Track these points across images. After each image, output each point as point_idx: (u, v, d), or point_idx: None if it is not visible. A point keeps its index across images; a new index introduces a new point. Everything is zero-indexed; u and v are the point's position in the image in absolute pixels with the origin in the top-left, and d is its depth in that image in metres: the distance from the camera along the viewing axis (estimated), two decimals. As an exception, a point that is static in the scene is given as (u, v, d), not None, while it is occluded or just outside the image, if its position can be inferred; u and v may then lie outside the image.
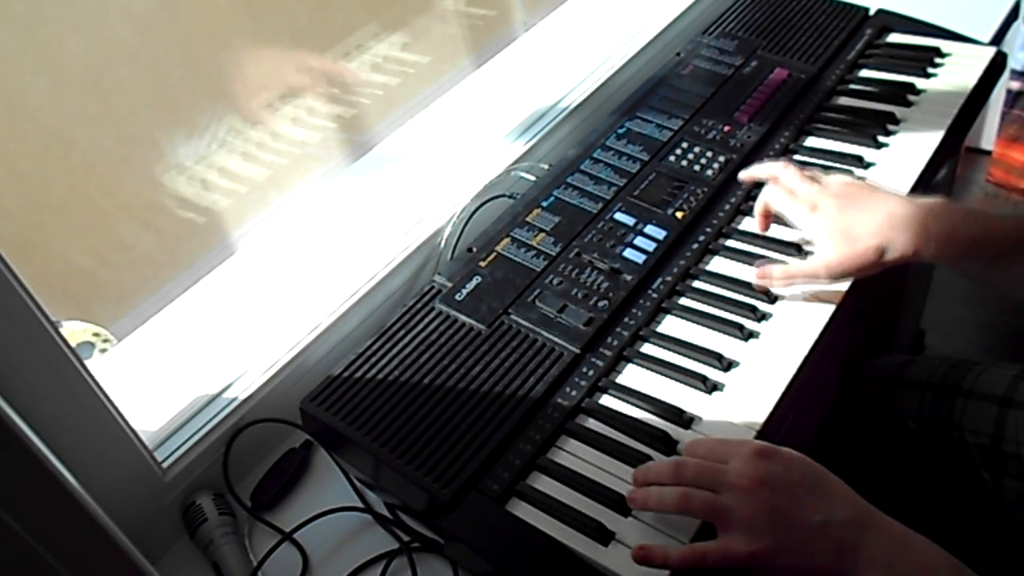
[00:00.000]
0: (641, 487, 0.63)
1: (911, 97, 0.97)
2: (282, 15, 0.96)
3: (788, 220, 0.79)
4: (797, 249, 0.81)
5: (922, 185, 0.87)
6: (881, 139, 0.92)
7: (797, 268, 0.76)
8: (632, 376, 0.73)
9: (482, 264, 0.81)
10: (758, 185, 0.88)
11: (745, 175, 0.86)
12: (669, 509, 0.60)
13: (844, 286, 0.77)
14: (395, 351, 0.74)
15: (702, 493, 0.59)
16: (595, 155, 0.92)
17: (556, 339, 0.74)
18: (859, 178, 0.87)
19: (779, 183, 0.80)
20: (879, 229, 0.72)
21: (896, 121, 0.94)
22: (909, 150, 0.90)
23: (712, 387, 0.71)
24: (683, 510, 0.59)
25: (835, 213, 0.75)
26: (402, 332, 0.76)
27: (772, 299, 0.77)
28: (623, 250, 0.81)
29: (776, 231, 0.83)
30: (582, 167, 0.91)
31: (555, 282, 0.79)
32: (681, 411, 0.68)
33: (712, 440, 0.64)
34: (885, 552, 0.55)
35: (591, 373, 0.72)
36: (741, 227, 0.85)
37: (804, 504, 0.57)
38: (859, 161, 0.89)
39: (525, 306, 0.77)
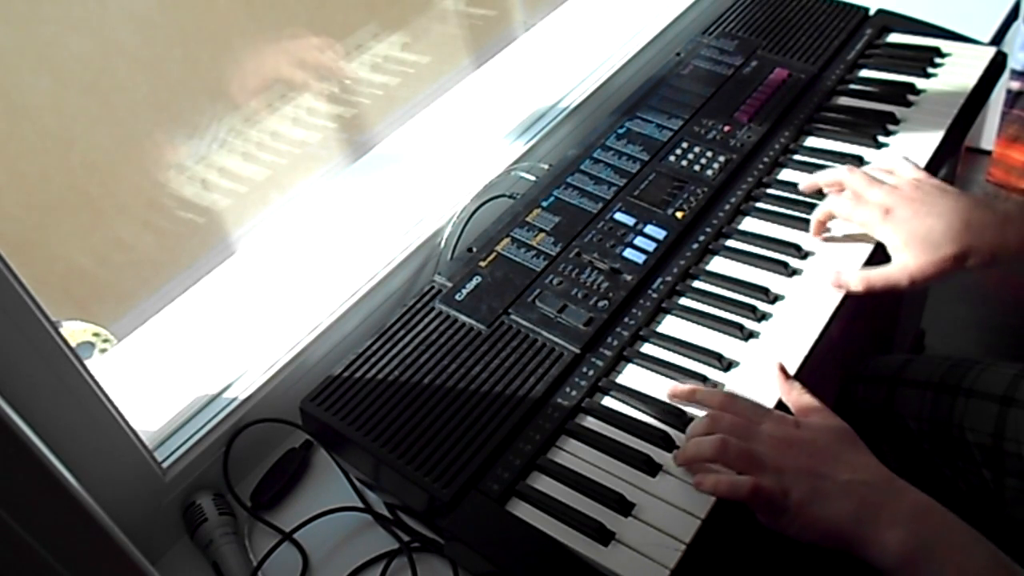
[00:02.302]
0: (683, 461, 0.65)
1: (911, 97, 0.97)
2: (282, 15, 0.96)
3: (861, 227, 0.78)
4: (796, 249, 0.80)
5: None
6: (881, 139, 0.92)
7: (877, 276, 0.75)
8: (632, 376, 0.73)
9: (482, 264, 0.81)
10: (760, 183, 0.88)
11: (807, 184, 0.84)
12: (706, 455, 0.62)
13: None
14: (395, 351, 0.74)
15: (738, 442, 0.61)
16: (595, 155, 0.92)
17: (556, 339, 0.74)
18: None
19: (844, 189, 0.79)
20: (958, 236, 0.72)
21: (896, 121, 0.94)
22: (909, 150, 0.90)
23: (712, 387, 0.70)
24: (719, 456, 0.61)
25: (910, 219, 0.74)
26: (402, 332, 0.76)
27: (772, 299, 0.77)
28: (623, 250, 0.81)
29: (776, 231, 0.83)
30: (582, 167, 0.91)
31: (555, 282, 0.79)
32: (682, 411, 0.68)
33: (748, 402, 0.66)
34: (907, 515, 0.57)
35: (591, 373, 0.72)
36: (741, 227, 0.85)
37: (829, 466, 0.60)
38: (859, 161, 0.89)
39: (525, 306, 0.77)
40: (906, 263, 0.74)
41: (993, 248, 0.71)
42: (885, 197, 0.76)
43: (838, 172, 0.81)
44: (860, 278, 0.75)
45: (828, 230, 0.81)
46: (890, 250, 0.76)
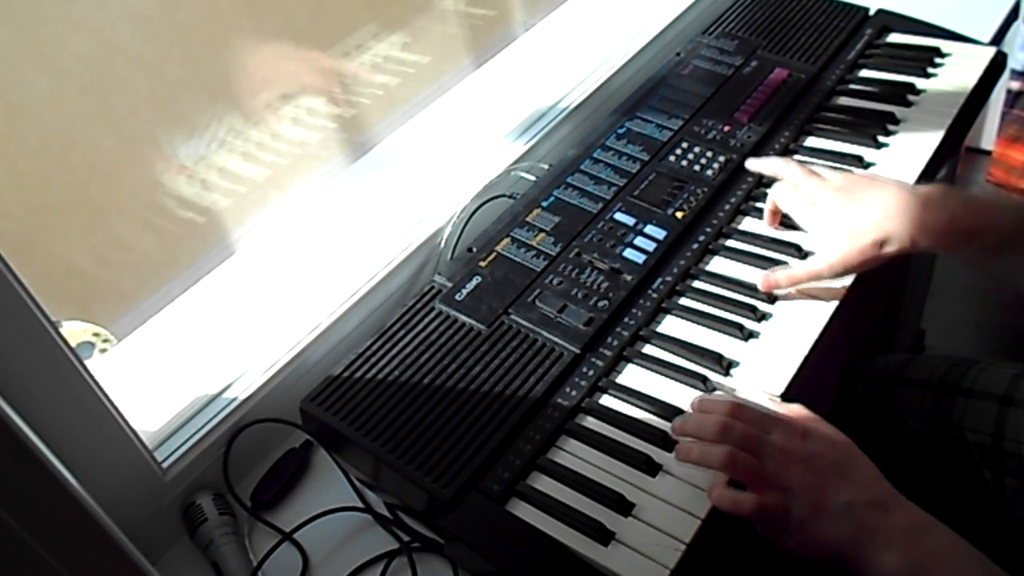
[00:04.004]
0: (680, 433, 0.65)
1: (911, 97, 0.97)
2: (282, 15, 0.96)
3: (791, 216, 0.79)
4: (797, 249, 0.80)
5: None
6: (881, 139, 0.92)
7: (801, 271, 0.76)
8: (632, 376, 0.73)
9: (482, 264, 0.81)
10: (760, 183, 0.88)
11: (751, 165, 0.86)
12: (713, 465, 0.62)
13: (845, 283, 0.77)
14: (395, 351, 0.74)
15: (747, 456, 0.61)
16: (595, 155, 0.92)
17: (556, 339, 0.74)
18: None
19: (784, 179, 0.80)
20: (877, 222, 0.72)
21: (896, 121, 0.94)
22: (909, 150, 0.90)
23: (712, 388, 0.70)
24: (727, 468, 0.61)
25: (833, 208, 0.75)
26: (402, 332, 0.76)
27: (772, 299, 0.77)
28: (623, 250, 0.81)
29: (776, 231, 0.83)
30: (582, 167, 0.91)
31: (555, 282, 0.79)
32: (682, 411, 0.68)
33: (758, 411, 0.65)
34: (903, 535, 0.57)
35: (591, 373, 0.72)
36: (741, 227, 0.85)
37: (832, 484, 0.59)
38: (859, 161, 0.89)
39: (525, 306, 0.77)
40: (827, 254, 0.74)
41: (912, 232, 0.71)
42: (814, 188, 0.77)
43: (776, 164, 0.82)
44: (786, 276, 0.76)
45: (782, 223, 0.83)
46: (817, 240, 0.77)
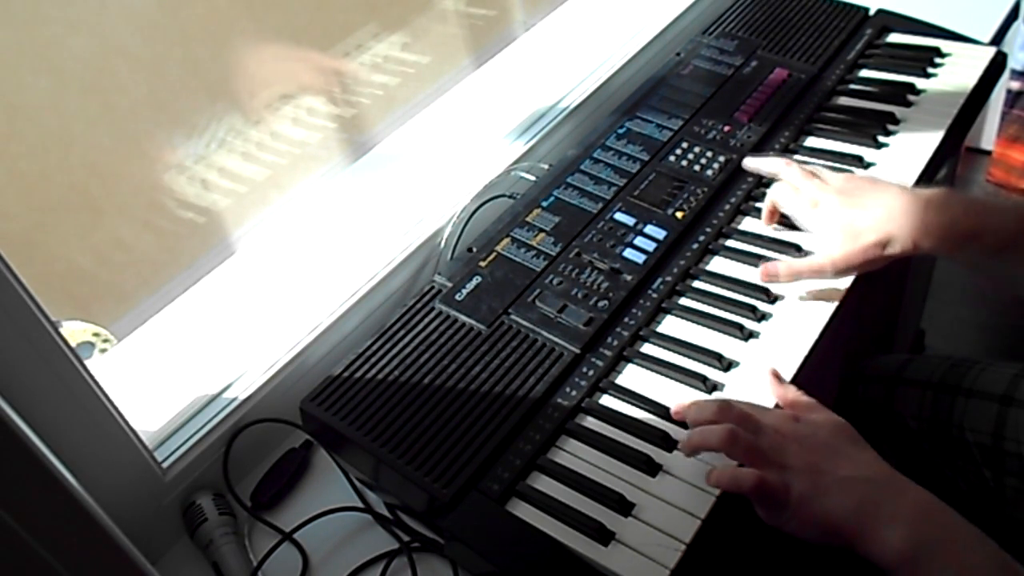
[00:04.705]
0: (681, 415, 0.66)
1: (911, 97, 0.97)
2: (282, 15, 0.96)
3: (792, 217, 0.79)
4: (797, 249, 0.80)
5: (922, 185, 0.87)
6: (881, 139, 0.92)
7: (803, 264, 0.76)
8: (632, 376, 0.73)
9: (482, 264, 0.81)
10: (760, 183, 0.88)
11: (749, 164, 0.86)
12: (713, 443, 0.61)
13: (845, 284, 0.77)
14: (395, 351, 0.74)
15: (747, 434, 0.61)
16: (595, 155, 0.92)
17: (556, 339, 0.74)
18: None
19: (784, 180, 0.80)
20: (879, 223, 0.72)
21: (896, 121, 0.94)
22: (909, 150, 0.90)
23: (712, 387, 0.70)
24: (728, 446, 0.61)
25: (836, 209, 0.75)
26: (402, 332, 0.76)
27: (772, 299, 0.77)
28: (623, 250, 0.81)
29: (776, 231, 0.83)
30: (582, 167, 0.91)
31: (555, 282, 0.79)
32: (681, 411, 0.68)
33: (747, 404, 0.65)
34: (909, 512, 0.57)
35: (591, 373, 0.72)
36: (741, 227, 0.85)
37: (830, 461, 0.60)
38: (859, 161, 0.89)
39: (525, 306, 0.77)
40: (830, 252, 0.75)
41: (913, 234, 0.71)
42: (815, 191, 0.77)
43: (776, 164, 0.82)
44: (787, 267, 0.76)
45: (781, 222, 0.83)
46: (817, 240, 0.77)
